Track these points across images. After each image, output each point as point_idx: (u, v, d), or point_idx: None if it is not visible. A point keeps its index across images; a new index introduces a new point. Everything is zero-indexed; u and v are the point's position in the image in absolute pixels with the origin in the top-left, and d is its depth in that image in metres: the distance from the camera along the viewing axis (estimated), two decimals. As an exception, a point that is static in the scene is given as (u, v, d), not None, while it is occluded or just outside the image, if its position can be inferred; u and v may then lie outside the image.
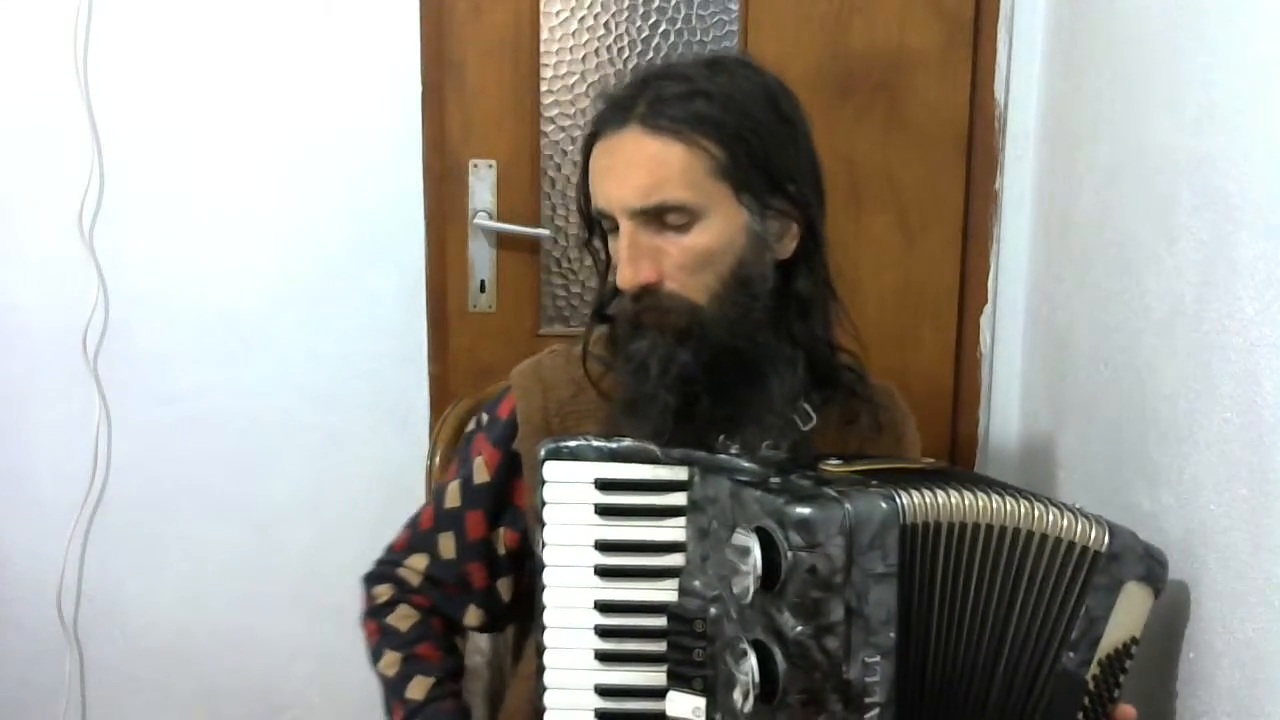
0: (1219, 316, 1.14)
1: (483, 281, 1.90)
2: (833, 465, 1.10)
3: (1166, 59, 1.30)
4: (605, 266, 1.22)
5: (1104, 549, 1.09)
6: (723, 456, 1.11)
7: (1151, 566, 1.12)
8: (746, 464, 1.09)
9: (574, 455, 1.11)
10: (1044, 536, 1.08)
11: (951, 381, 1.94)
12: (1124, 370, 1.39)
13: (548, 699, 1.12)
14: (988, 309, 1.91)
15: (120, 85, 1.84)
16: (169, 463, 1.93)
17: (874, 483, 1.04)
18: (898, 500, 1.01)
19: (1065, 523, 1.08)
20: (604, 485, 1.11)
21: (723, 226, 1.13)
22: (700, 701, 1.07)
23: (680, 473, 1.10)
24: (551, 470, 1.11)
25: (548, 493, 1.11)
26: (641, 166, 1.11)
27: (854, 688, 0.99)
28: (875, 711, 1.00)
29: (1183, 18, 1.26)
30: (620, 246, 1.13)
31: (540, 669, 1.13)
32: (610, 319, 1.22)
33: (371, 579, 1.32)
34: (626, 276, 1.12)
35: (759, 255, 1.15)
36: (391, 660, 1.25)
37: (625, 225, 1.12)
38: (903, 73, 1.86)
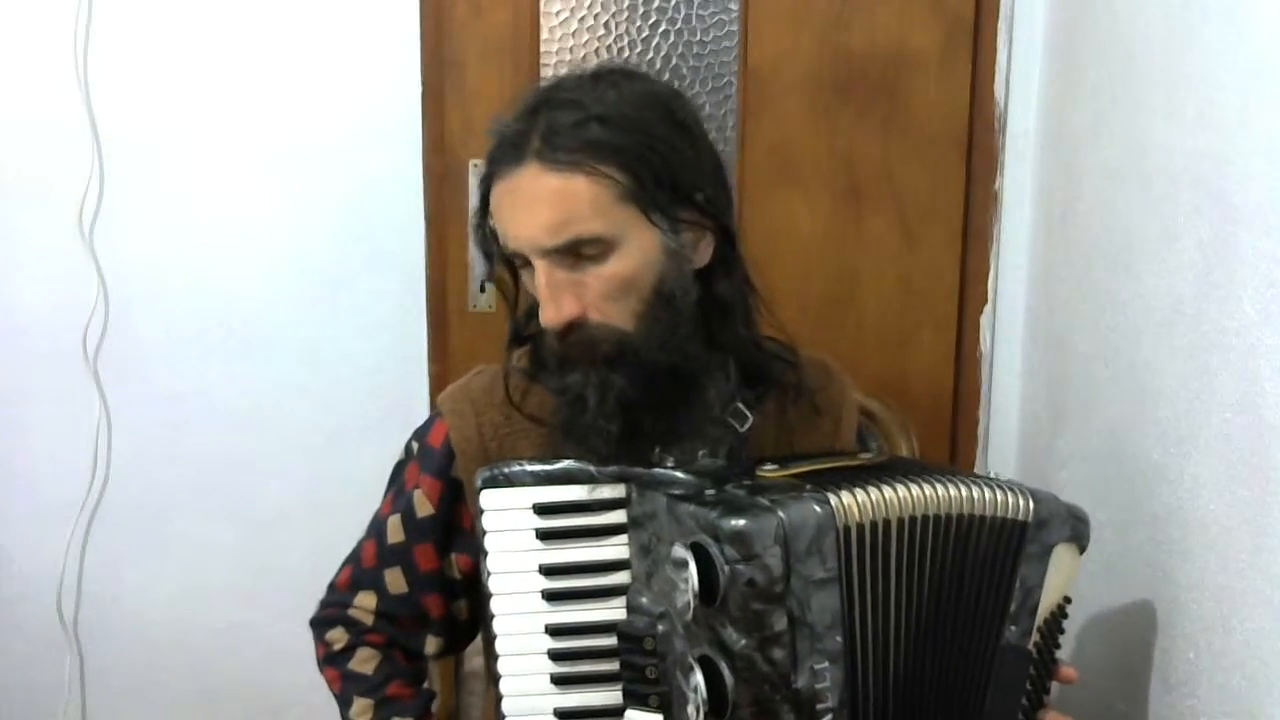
0: (1219, 316, 1.13)
1: (483, 282, 1.90)
2: (769, 471, 1.09)
3: (1166, 59, 1.30)
4: (514, 296, 1.20)
5: (1030, 518, 1.09)
6: (659, 471, 1.09)
7: (1076, 526, 1.12)
8: (682, 476, 1.08)
9: (510, 481, 1.10)
10: (980, 518, 1.07)
11: (951, 382, 1.94)
12: (1124, 370, 1.39)
13: None
14: (988, 309, 1.91)
15: (120, 85, 1.84)
16: (169, 463, 1.93)
17: (808, 487, 1.03)
18: (832, 503, 1.00)
19: (995, 499, 1.08)
20: (542, 509, 1.10)
21: (638, 250, 1.10)
22: (658, 718, 1.07)
23: (618, 490, 1.09)
24: (489, 499, 1.10)
25: (487, 521, 1.10)
26: (547, 203, 1.08)
27: (804, 695, 0.99)
28: (829, 717, 1.00)
29: (1182, 18, 1.26)
30: (539, 285, 1.10)
31: (498, 696, 1.12)
32: (527, 340, 1.20)
33: (321, 624, 1.28)
34: (550, 315, 1.09)
35: (678, 270, 1.13)
36: (363, 707, 1.22)
37: (540, 264, 1.09)
38: (903, 73, 1.86)
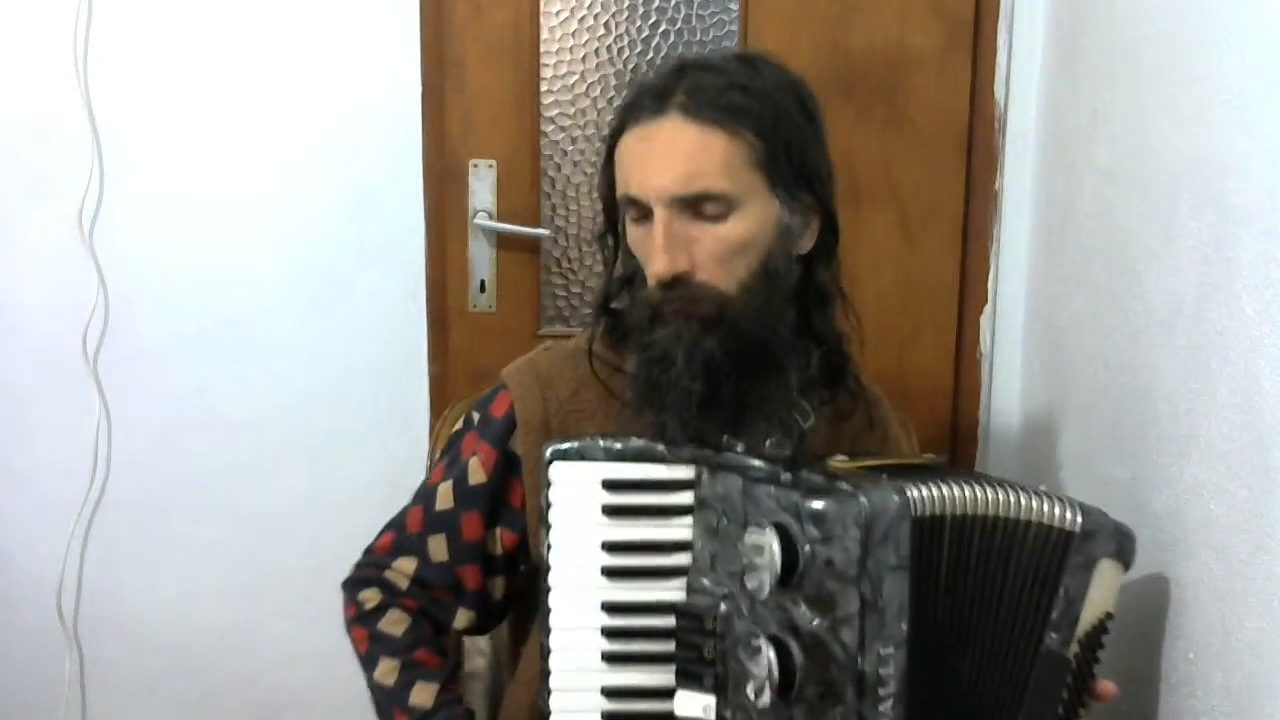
0: (1219, 316, 1.13)
1: (483, 281, 1.90)
2: (840, 462, 1.11)
3: (1166, 59, 1.30)
4: (614, 256, 1.22)
5: (1077, 529, 1.10)
6: (729, 454, 1.11)
7: (1121, 542, 1.13)
8: (755, 461, 1.09)
9: (581, 455, 1.11)
10: (1028, 523, 1.09)
11: (951, 381, 1.94)
12: (1124, 370, 1.39)
13: (554, 701, 1.12)
14: (988, 309, 1.91)
15: (120, 85, 1.84)
16: (169, 463, 1.93)
17: (884, 477, 1.05)
18: (909, 494, 1.03)
19: (1043, 507, 1.10)
20: (611, 486, 1.11)
21: (756, 218, 1.14)
22: (710, 699, 1.07)
23: (688, 471, 1.10)
24: (558, 472, 1.11)
25: (554, 494, 1.11)
26: (683, 153, 1.11)
27: (868, 679, 1.00)
28: (889, 703, 1.01)
29: (1182, 18, 1.26)
30: (655, 234, 1.12)
31: (545, 672, 1.12)
32: (616, 313, 1.22)
33: (355, 584, 1.29)
34: (662, 264, 1.11)
35: (785, 248, 1.16)
36: (389, 668, 1.22)
37: (661, 213, 1.12)
38: (903, 73, 1.86)
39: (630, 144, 1.15)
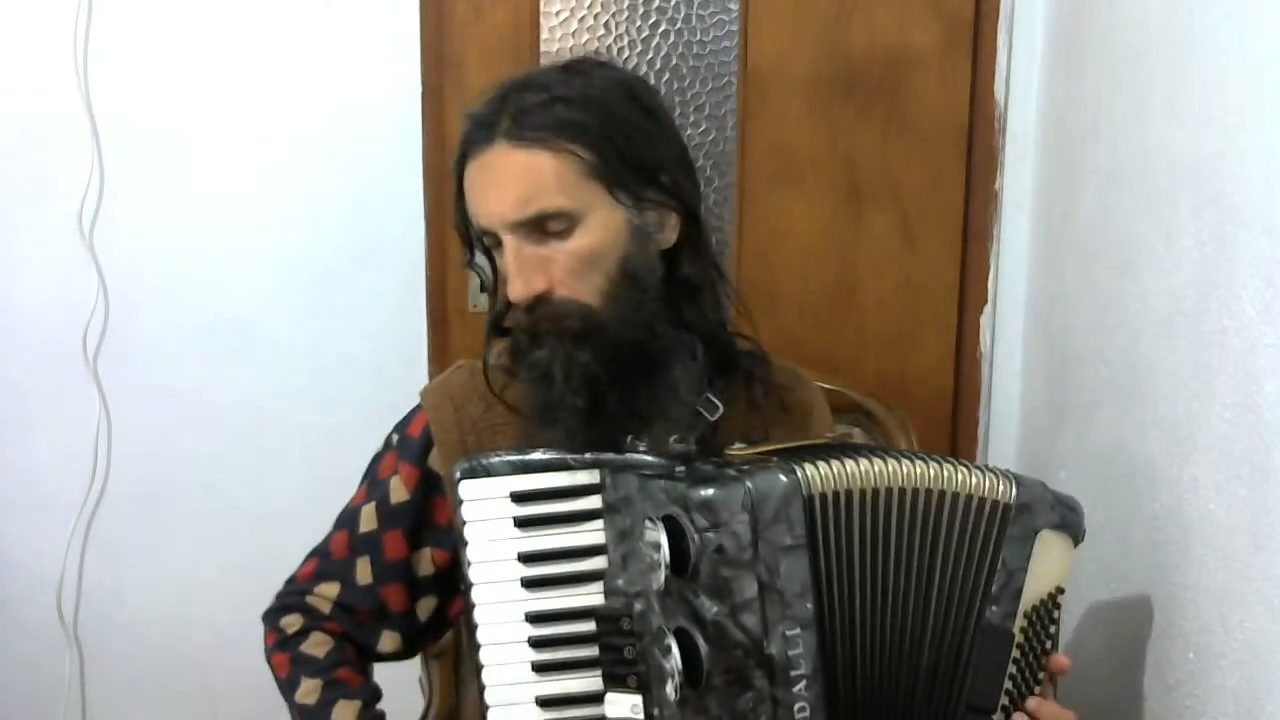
0: (1219, 316, 1.13)
1: (483, 281, 1.90)
2: (738, 450, 1.12)
3: (1166, 59, 1.30)
4: (493, 283, 1.22)
5: (1013, 501, 1.10)
6: (631, 455, 1.11)
7: (1065, 514, 1.12)
8: (653, 459, 1.10)
9: (487, 471, 1.11)
10: (955, 495, 1.09)
11: (951, 381, 1.94)
12: (1124, 370, 1.39)
13: (491, 716, 1.12)
14: (988, 309, 1.91)
15: (120, 85, 1.84)
16: (169, 463, 1.93)
17: (774, 459, 1.06)
18: (798, 472, 1.03)
19: (973, 480, 1.09)
20: (519, 498, 1.11)
21: (603, 226, 1.13)
22: (637, 699, 1.08)
23: (592, 476, 1.11)
24: (468, 489, 1.11)
25: (466, 511, 1.11)
26: (514, 179, 1.12)
27: (776, 662, 1.00)
28: (802, 684, 1.01)
29: (1182, 18, 1.26)
30: (507, 260, 1.13)
31: (481, 688, 1.12)
32: (507, 331, 1.22)
33: (276, 613, 1.28)
34: (518, 289, 1.12)
35: (643, 248, 1.16)
36: (311, 688, 1.21)
37: (508, 239, 1.12)
38: (903, 73, 1.86)
39: (471, 176, 1.16)
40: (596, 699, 1.10)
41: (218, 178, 1.87)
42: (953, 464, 1.10)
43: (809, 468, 1.04)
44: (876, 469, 1.07)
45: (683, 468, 1.07)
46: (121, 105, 1.85)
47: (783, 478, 1.02)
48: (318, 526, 1.94)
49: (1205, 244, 1.17)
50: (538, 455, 1.12)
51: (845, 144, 1.86)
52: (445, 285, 1.91)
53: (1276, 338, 1.03)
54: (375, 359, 1.92)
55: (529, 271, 1.12)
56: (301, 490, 1.94)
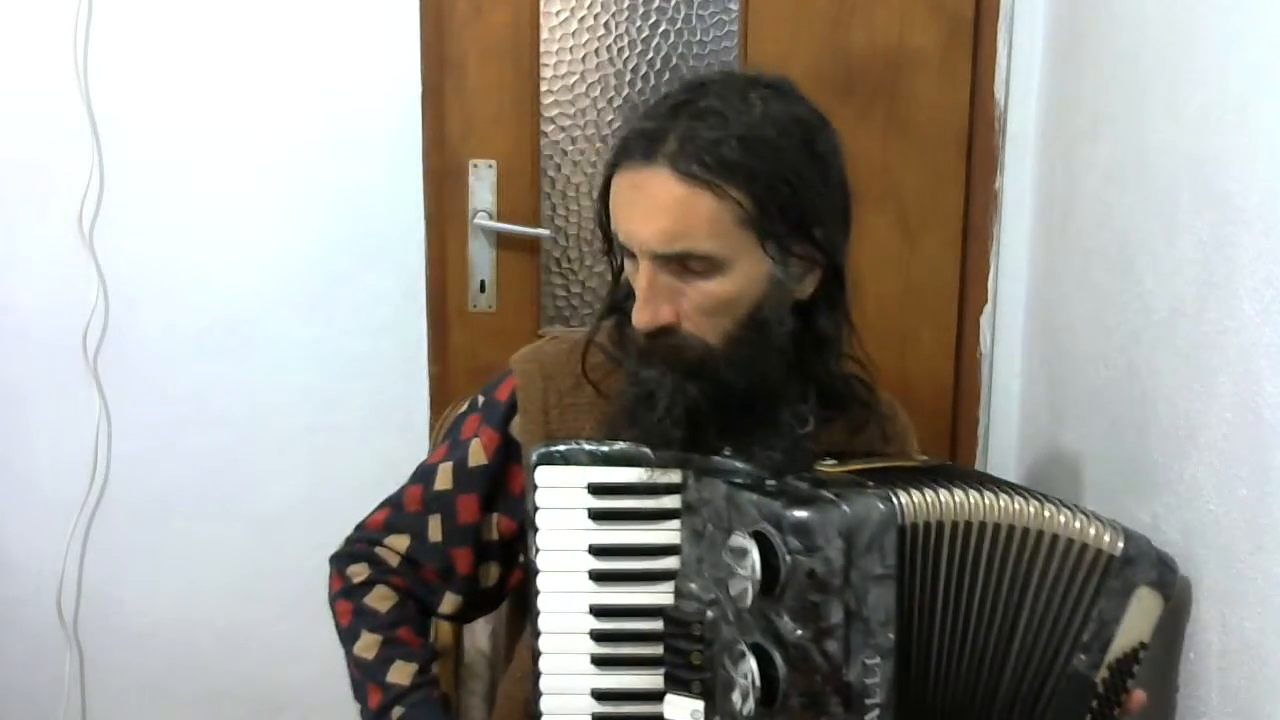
0: (1219, 316, 1.13)
1: (483, 281, 1.90)
2: (828, 466, 1.10)
3: (1166, 59, 1.30)
4: (620, 270, 1.20)
5: (1118, 553, 1.09)
6: (717, 459, 1.10)
7: (1164, 573, 1.12)
8: (741, 466, 1.09)
9: (566, 460, 1.10)
10: (1055, 537, 1.07)
11: (951, 381, 1.94)
12: (1124, 370, 1.39)
13: (544, 704, 1.12)
14: (988, 309, 1.91)
15: (120, 85, 1.84)
16: (169, 463, 1.93)
17: (870, 484, 1.04)
18: (895, 501, 1.01)
19: (1078, 525, 1.08)
20: (596, 490, 1.10)
21: (744, 275, 1.10)
22: (699, 705, 1.07)
23: (674, 475, 1.10)
24: (543, 475, 1.10)
25: (540, 498, 1.10)
26: (667, 210, 1.07)
27: (854, 689, 0.99)
28: (875, 713, 1.00)
29: (1182, 18, 1.26)
30: (639, 286, 1.10)
31: (535, 674, 1.12)
32: (621, 311, 1.20)
33: (344, 558, 1.28)
34: (644, 317, 1.10)
35: (778, 300, 1.13)
36: (370, 642, 1.21)
37: (645, 266, 1.10)
38: (903, 73, 1.86)
39: (620, 187, 1.12)
40: (653, 697, 1.09)
41: (218, 178, 1.87)
42: (1056, 505, 1.08)
43: (907, 496, 1.02)
44: (973, 502, 1.05)
45: (773, 481, 1.05)
46: (121, 105, 1.85)
47: (880, 505, 1.00)
48: (318, 527, 1.93)
49: (1205, 244, 1.17)
50: (619, 447, 1.11)
51: (845, 144, 1.85)
52: (445, 285, 1.91)
53: (1276, 338, 1.03)
54: (375, 359, 1.92)
55: (659, 301, 1.10)
56: (301, 491, 1.94)
